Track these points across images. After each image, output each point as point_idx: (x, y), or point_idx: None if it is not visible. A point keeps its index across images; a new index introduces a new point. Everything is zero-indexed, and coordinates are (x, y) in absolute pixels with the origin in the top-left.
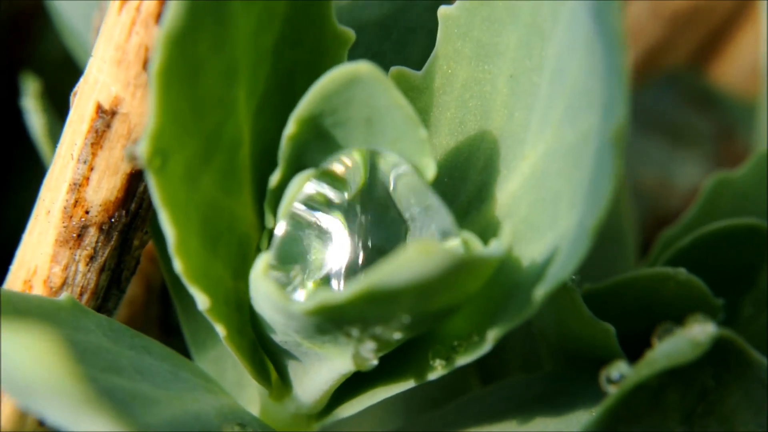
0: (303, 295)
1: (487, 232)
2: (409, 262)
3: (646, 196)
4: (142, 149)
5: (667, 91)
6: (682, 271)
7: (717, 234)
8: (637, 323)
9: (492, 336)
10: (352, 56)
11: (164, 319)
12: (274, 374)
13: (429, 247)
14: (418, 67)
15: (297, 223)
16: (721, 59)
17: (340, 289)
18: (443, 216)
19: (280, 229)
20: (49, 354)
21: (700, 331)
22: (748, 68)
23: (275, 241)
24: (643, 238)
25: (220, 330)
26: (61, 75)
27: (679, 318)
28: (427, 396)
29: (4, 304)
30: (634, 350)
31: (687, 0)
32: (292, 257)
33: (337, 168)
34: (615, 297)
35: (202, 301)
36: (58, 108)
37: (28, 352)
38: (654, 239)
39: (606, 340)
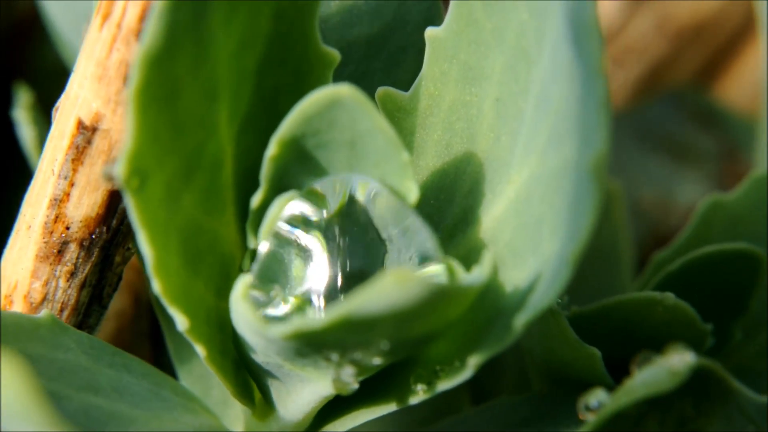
0: (285, 309)
1: (472, 256)
2: (385, 292)
3: (646, 214)
4: (119, 169)
5: (670, 109)
6: (669, 296)
7: (708, 258)
8: (625, 347)
9: (473, 362)
10: (342, 74)
11: (154, 332)
12: (257, 393)
13: (405, 276)
14: (409, 87)
15: (279, 242)
16: (726, 77)
17: (321, 308)
18: (425, 238)
19: (262, 249)
20: (16, 379)
21: (678, 361)
22: (753, 87)
23: (256, 262)
24: (641, 256)
25: (200, 350)
26: (60, 84)
27: (666, 342)
28: (417, 414)
29: None
30: (622, 374)
31: (692, 17)
32: (273, 276)
33: (319, 190)
34: (602, 320)
35: (181, 321)
36: None
37: None
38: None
39: (592, 364)
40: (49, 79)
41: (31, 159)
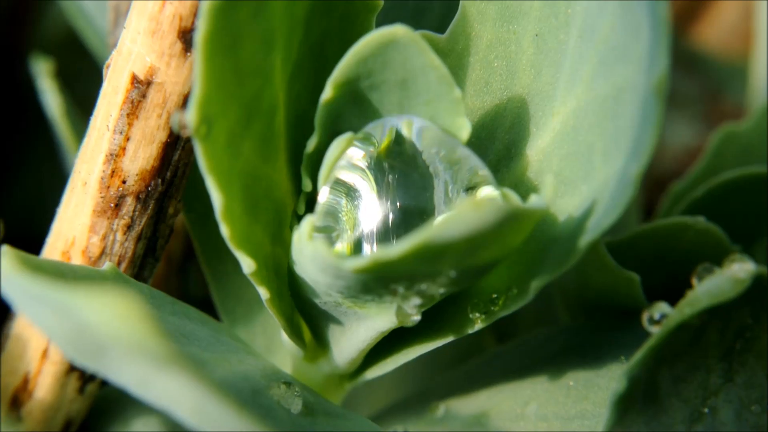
0: (345, 248)
1: (519, 189)
2: (463, 217)
3: None
4: (190, 116)
5: None
6: (700, 220)
7: (730, 183)
8: (656, 274)
9: (534, 287)
10: None
11: (183, 291)
12: (308, 336)
13: (481, 201)
14: (436, 32)
15: (337, 185)
16: (703, 22)
17: (374, 250)
18: (478, 166)
19: (324, 192)
20: (130, 311)
21: (740, 269)
22: (730, 30)
23: (320, 204)
24: (643, 197)
25: (264, 293)
26: (66, 55)
27: (696, 266)
28: (442, 358)
29: (53, 272)
30: (656, 300)
31: None
32: (334, 218)
33: (373, 132)
34: (634, 249)
35: (247, 264)
36: (63, 87)
37: (108, 310)
38: (654, 199)
39: (630, 290)
40: (57, 50)
41: (57, 126)
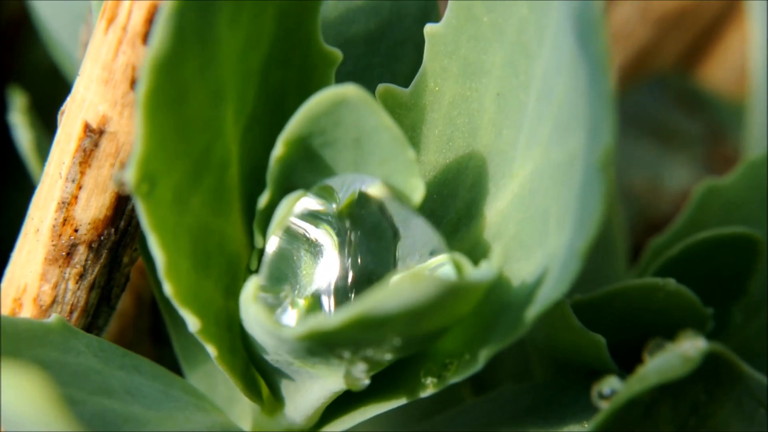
0: (294, 315)
1: (477, 250)
2: (400, 290)
3: (636, 199)
4: (130, 175)
5: (655, 94)
6: (671, 282)
7: (706, 243)
8: (627, 333)
9: (483, 355)
10: (342, 71)
11: (155, 329)
12: (265, 390)
13: (419, 274)
14: (408, 81)
15: (287, 242)
16: (709, 61)
17: (331, 308)
18: (430, 236)
19: (270, 250)
20: (37, 392)
21: (690, 347)
22: (735, 70)
23: (265, 263)
24: (633, 242)
25: (212, 350)
26: (50, 85)
27: (669, 328)
28: (419, 406)
29: None
30: (625, 359)
31: (675, 3)
32: (282, 276)
33: (327, 189)
34: (605, 307)
35: (193, 323)
36: (47, 118)
37: (16, 391)
38: (645, 243)
39: (596, 351)
40: (42, 78)
41: (28, 163)
